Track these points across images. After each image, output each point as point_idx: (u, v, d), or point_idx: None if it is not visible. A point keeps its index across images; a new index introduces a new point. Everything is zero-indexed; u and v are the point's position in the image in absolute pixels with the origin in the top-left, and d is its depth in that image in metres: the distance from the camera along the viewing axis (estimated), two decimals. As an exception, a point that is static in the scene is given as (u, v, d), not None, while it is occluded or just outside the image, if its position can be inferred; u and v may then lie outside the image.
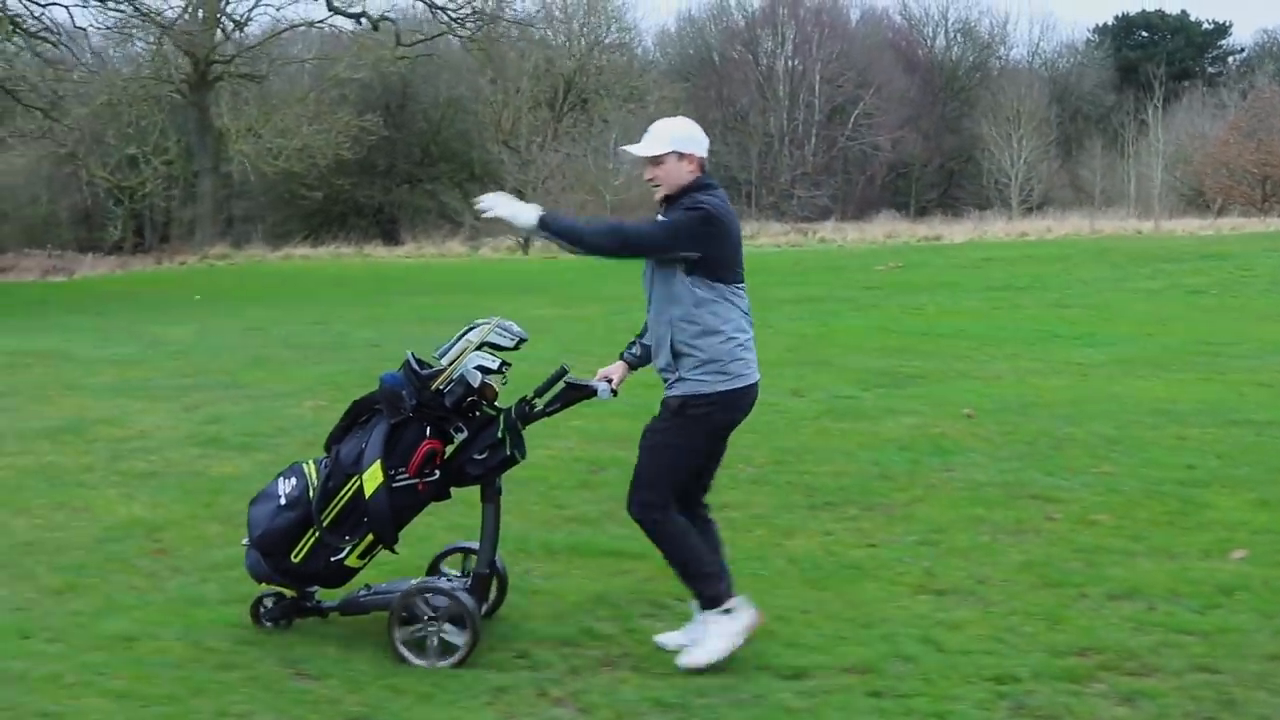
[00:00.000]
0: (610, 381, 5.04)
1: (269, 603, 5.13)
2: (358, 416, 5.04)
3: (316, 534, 4.89)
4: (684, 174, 4.74)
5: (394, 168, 49.18)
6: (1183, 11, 67.95)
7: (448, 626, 4.77)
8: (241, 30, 39.13)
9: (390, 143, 45.77)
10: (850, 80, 60.39)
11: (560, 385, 4.98)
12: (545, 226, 4.56)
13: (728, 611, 4.78)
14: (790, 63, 62.05)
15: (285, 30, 39.33)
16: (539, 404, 4.99)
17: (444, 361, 4.89)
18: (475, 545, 5.13)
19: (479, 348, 4.88)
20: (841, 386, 10.68)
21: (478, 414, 4.98)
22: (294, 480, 5.02)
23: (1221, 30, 67.61)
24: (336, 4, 28.99)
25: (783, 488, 7.37)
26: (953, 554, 6.07)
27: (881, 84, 60.72)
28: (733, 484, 7.37)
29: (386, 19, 32.60)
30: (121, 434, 8.83)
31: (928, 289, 19.51)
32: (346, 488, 4.87)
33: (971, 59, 69.14)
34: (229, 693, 4.45)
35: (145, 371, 11.86)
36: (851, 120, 60.82)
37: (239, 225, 47.68)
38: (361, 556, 4.96)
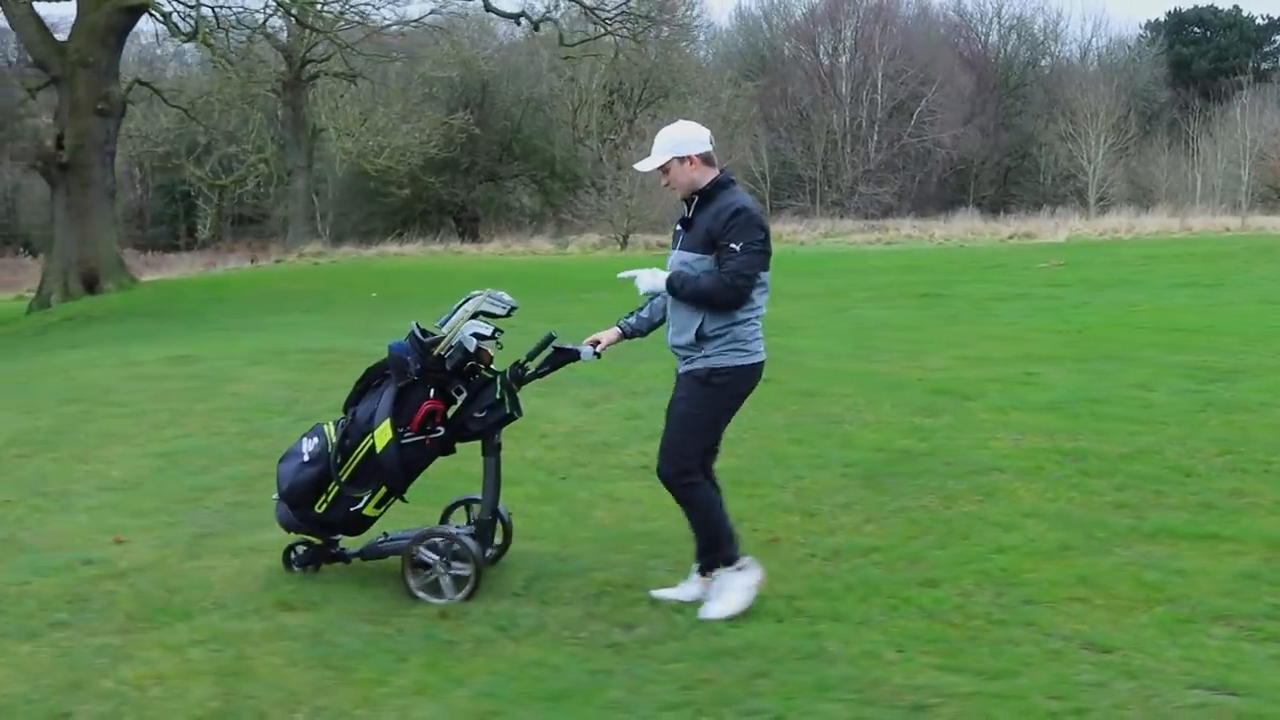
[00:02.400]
0: (597, 345, 5.60)
1: (299, 550, 5.74)
2: (371, 381, 5.62)
3: (337, 487, 5.45)
4: (692, 174, 5.30)
5: (475, 165, 49.55)
6: (1235, 7, 68.36)
7: (454, 563, 5.35)
8: (333, 30, 39.20)
9: (472, 140, 46.14)
10: (912, 77, 60.74)
11: (549, 350, 5.54)
12: (673, 289, 5.25)
13: (740, 569, 5.36)
14: (851, 59, 62.36)
15: (378, 30, 39.52)
16: (530, 367, 5.59)
17: (444, 330, 5.44)
18: (477, 496, 5.78)
19: (474, 316, 5.44)
20: (1175, 381, 10.97)
21: (476, 376, 5.56)
22: (315, 439, 5.59)
23: (1275, 25, 67.98)
24: (494, 5, 29.15)
25: (1272, 476, 7.67)
26: None
27: (944, 81, 61.03)
28: (1214, 473, 7.71)
29: (549, 19, 32.89)
30: (565, 429, 9.13)
31: (1118, 286, 19.83)
32: (362, 445, 5.45)
33: (1025, 55, 69.48)
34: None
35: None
36: (914, 117, 61.15)
37: (319, 223, 48.09)
38: (378, 506, 5.57)
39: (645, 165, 5.43)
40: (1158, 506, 7.01)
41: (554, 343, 5.60)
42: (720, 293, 5.20)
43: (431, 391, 5.52)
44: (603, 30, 29.74)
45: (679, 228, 5.49)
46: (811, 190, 60.93)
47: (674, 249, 5.48)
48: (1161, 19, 69.44)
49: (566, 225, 45.22)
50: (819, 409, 9.66)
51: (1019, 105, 68.01)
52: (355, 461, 5.51)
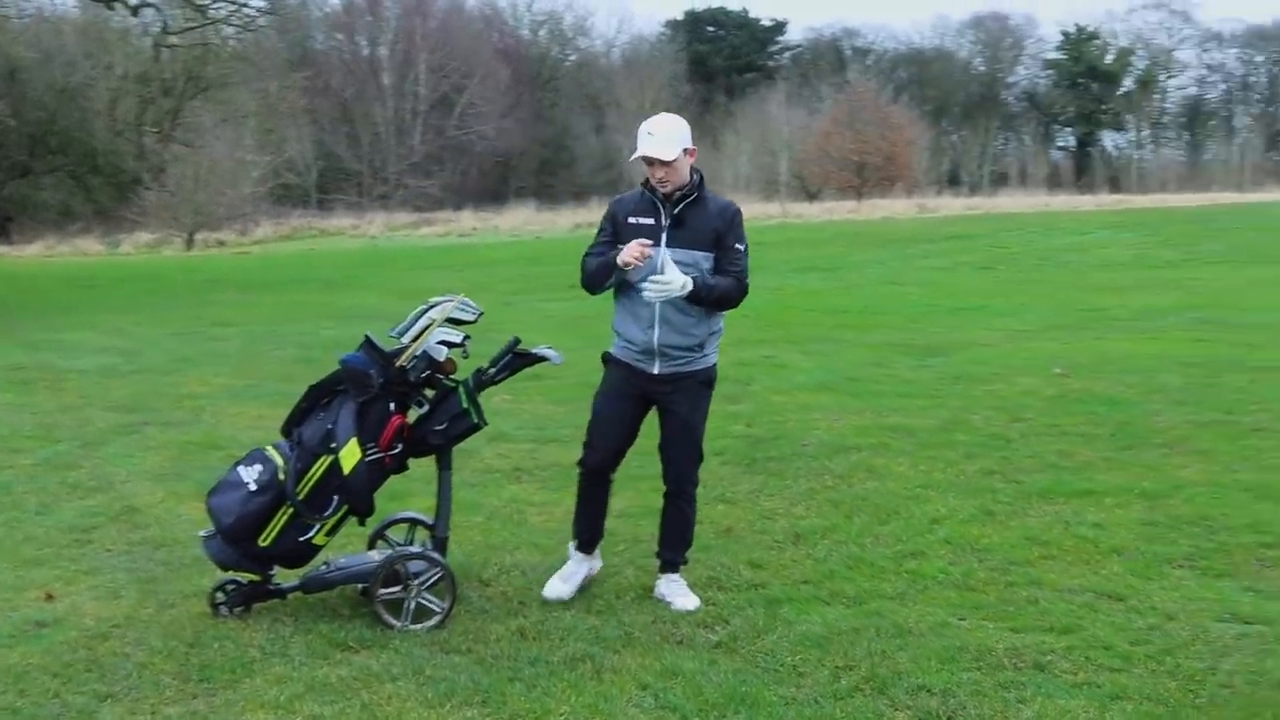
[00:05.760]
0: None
1: (228, 590, 5.32)
2: (317, 399, 5.27)
3: (288, 516, 5.12)
4: (688, 169, 5.26)
5: (6, 160, 45.15)
6: (744, 9, 73.90)
7: (429, 594, 5.24)
8: None
9: (3, 133, 42.06)
10: (454, 70, 61.39)
11: (510, 355, 5.39)
12: (699, 297, 5.16)
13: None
14: (393, 51, 62.20)
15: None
16: (492, 372, 5.37)
17: (405, 339, 5.20)
18: (416, 515, 5.84)
19: (442, 324, 5.23)
20: (898, 358, 12.08)
21: (435, 387, 5.33)
22: (259, 466, 5.17)
23: (779, 27, 74.08)
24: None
25: (1070, 437, 8.67)
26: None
27: (484, 74, 62.11)
28: (1026, 438, 8.61)
29: (148, 4, 30.13)
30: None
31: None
32: (315, 468, 5.10)
33: (556, 50, 71.88)
34: None
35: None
36: (457, 109, 61.82)
37: None
38: (329, 534, 5.26)
39: (668, 153, 5.10)
40: (1019, 471, 7.77)
41: (517, 348, 5.46)
42: (738, 293, 5.26)
43: (392, 405, 5.23)
44: (203, 18, 28.06)
45: (651, 222, 5.25)
46: (359, 184, 60.30)
47: (658, 251, 5.19)
48: (680, 18, 73.91)
49: (114, 224, 42.39)
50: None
51: (553, 98, 70.26)
52: (308, 486, 5.11)
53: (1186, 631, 5.06)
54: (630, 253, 5.11)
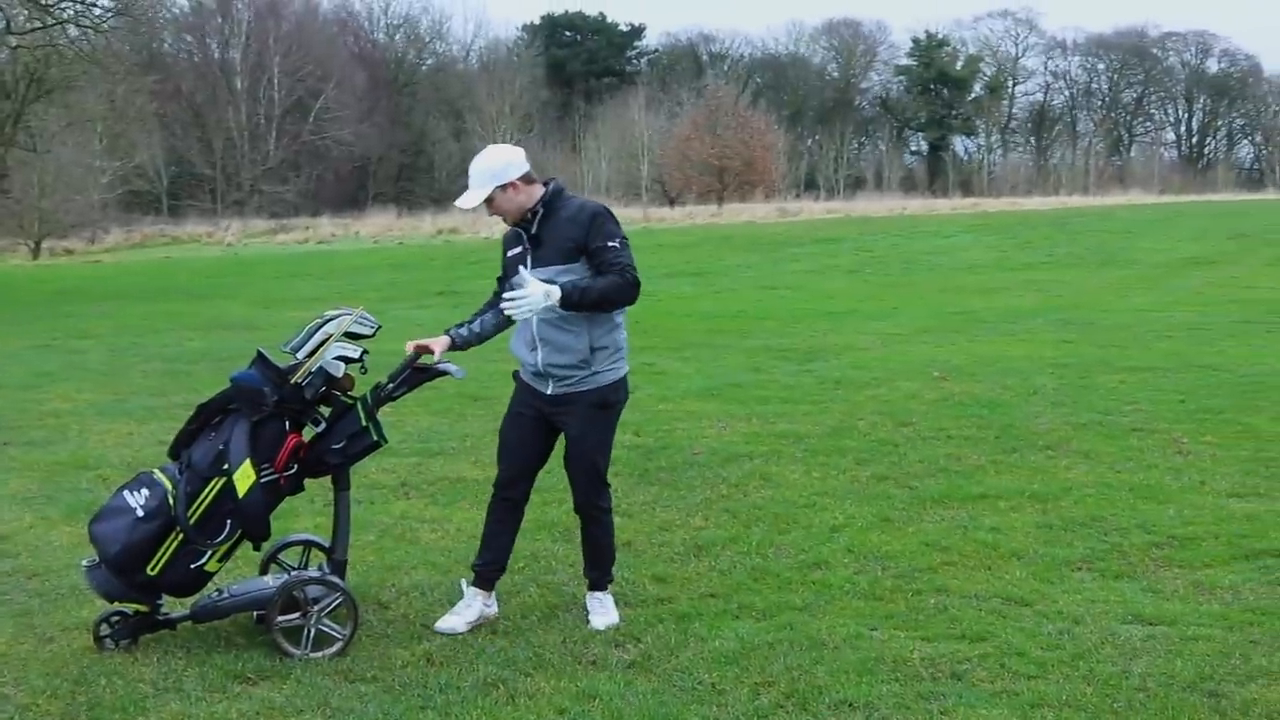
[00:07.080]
0: (429, 353, 5.23)
1: (114, 622, 5.03)
2: (208, 419, 5.04)
3: (179, 542, 4.88)
4: (518, 198, 5.08)
5: None
6: (601, 14, 73.93)
7: (328, 620, 5.01)
8: None
9: None
10: (310, 74, 60.33)
11: (409, 370, 5.21)
12: (571, 302, 4.91)
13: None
14: (245, 54, 60.84)
15: None
16: (390, 387, 5.18)
17: (300, 355, 5.01)
18: (311, 537, 5.69)
19: (339, 338, 5.03)
20: (776, 363, 12.15)
21: (332, 405, 5.14)
22: (146, 491, 4.93)
23: (636, 32, 74.27)
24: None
25: (957, 440, 8.77)
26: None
27: (340, 78, 61.18)
28: (913, 442, 8.70)
29: None
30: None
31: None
32: (206, 491, 4.87)
33: (413, 55, 71.10)
34: None
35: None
36: (313, 114, 60.75)
37: None
38: (221, 560, 5.03)
39: (468, 202, 5.13)
40: (911, 476, 7.81)
41: (416, 363, 5.25)
42: (623, 289, 5.00)
43: (288, 424, 5.02)
44: (50, 19, 26.93)
45: (520, 249, 5.17)
46: (213, 190, 58.89)
47: (520, 269, 5.08)
48: (536, 22, 73.64)
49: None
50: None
51: (410, 103, 69.53)
52: (199, 511, 4.86)
53: (1095, 635, 5.08)
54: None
